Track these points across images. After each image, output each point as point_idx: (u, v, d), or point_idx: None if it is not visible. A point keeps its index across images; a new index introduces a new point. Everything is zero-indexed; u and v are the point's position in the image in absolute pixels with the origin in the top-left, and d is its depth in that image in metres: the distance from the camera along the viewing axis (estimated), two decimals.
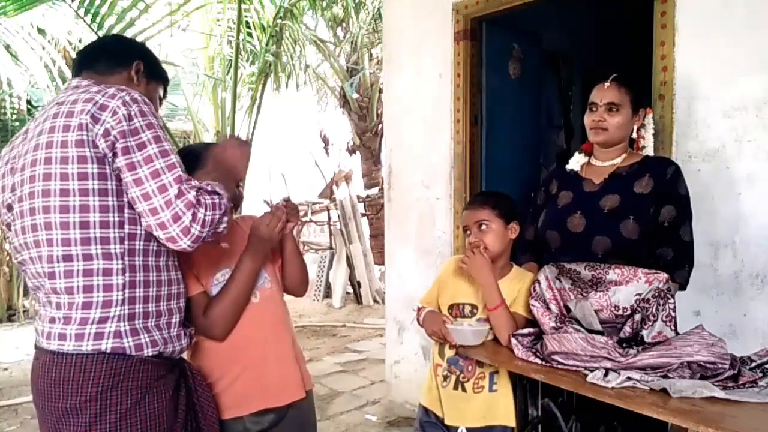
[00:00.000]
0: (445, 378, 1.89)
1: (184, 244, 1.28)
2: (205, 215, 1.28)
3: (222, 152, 1.63)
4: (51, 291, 1.31)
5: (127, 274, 1.30)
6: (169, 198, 1.25)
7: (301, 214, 1.87)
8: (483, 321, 1.83)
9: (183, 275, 1.53)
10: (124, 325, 1.30)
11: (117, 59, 1.50)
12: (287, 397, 1.70)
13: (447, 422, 1.87)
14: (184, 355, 1.52)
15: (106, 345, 1.28)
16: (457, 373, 1.87)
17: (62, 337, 1.28)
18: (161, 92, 1.62)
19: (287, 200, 1.69)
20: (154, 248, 1.37)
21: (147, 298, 1.34)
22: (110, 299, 1.29)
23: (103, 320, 1.28)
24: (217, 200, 1.33)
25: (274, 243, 1.66)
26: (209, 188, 1.34)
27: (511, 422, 1.81)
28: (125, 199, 1.29)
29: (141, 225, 1.31)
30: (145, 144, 1.27)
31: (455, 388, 1.87)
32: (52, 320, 1.31)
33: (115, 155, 1.26)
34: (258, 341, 1.67)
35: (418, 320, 1.99)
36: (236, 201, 1.72)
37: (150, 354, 1.33)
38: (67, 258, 1.27)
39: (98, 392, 1.27)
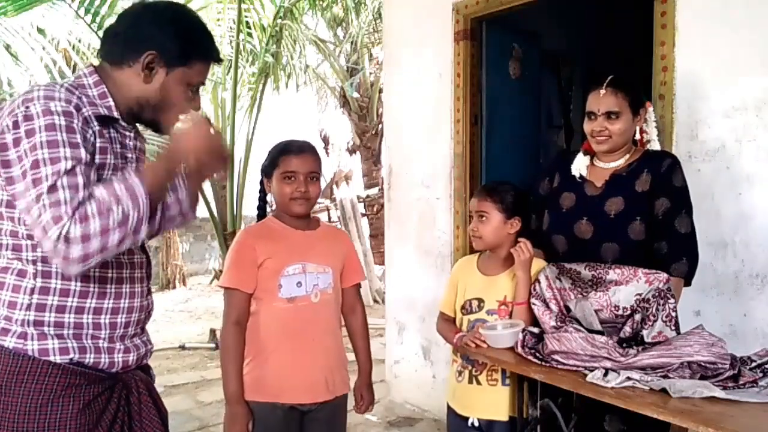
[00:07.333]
0: (460, 374, 1.94)
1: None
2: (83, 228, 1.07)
3: (179, 137, 1.22)
4: None
5: (38, 280, 1.20)
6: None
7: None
8: (507, 318, 1.84)
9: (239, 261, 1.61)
10: (31, 329, 1.20)
11: (128, 47, 1.24)
12: (324, 395, 1.78)
13: (460, 412, 1.91)
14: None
15: (9, 342, 1.19)
16: (469, 368, 1.91)
17: None
18: (202, 73, 1.30)
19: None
20: None
21: (63, 308, 1.22)
22: (15, 301, 1.21)
23: (8, 319, 1.21)
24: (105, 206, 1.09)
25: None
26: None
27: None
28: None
29: None
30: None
31: (470, 382, 1.91)
32: None
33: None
34: (309, 338, 1.75)
35: (445, 336, 2.00)
36: (311, 198, 1.73)
37: (60, 360, 1.21)
38: None
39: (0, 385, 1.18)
